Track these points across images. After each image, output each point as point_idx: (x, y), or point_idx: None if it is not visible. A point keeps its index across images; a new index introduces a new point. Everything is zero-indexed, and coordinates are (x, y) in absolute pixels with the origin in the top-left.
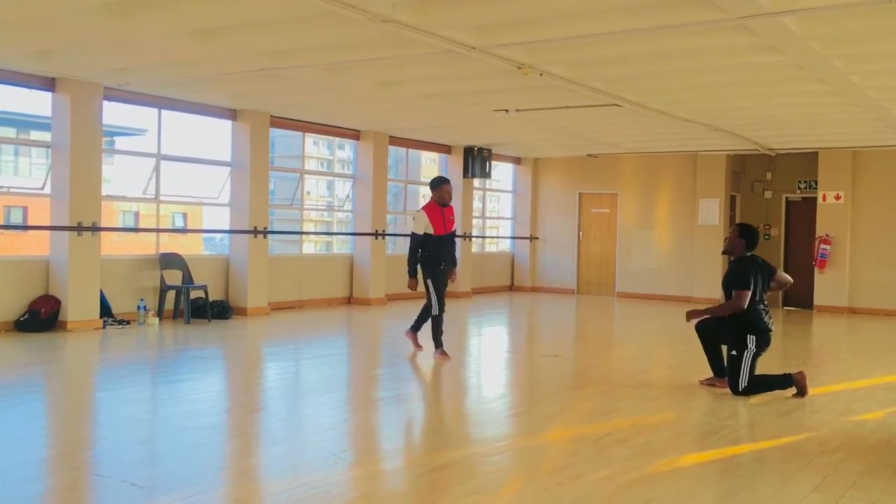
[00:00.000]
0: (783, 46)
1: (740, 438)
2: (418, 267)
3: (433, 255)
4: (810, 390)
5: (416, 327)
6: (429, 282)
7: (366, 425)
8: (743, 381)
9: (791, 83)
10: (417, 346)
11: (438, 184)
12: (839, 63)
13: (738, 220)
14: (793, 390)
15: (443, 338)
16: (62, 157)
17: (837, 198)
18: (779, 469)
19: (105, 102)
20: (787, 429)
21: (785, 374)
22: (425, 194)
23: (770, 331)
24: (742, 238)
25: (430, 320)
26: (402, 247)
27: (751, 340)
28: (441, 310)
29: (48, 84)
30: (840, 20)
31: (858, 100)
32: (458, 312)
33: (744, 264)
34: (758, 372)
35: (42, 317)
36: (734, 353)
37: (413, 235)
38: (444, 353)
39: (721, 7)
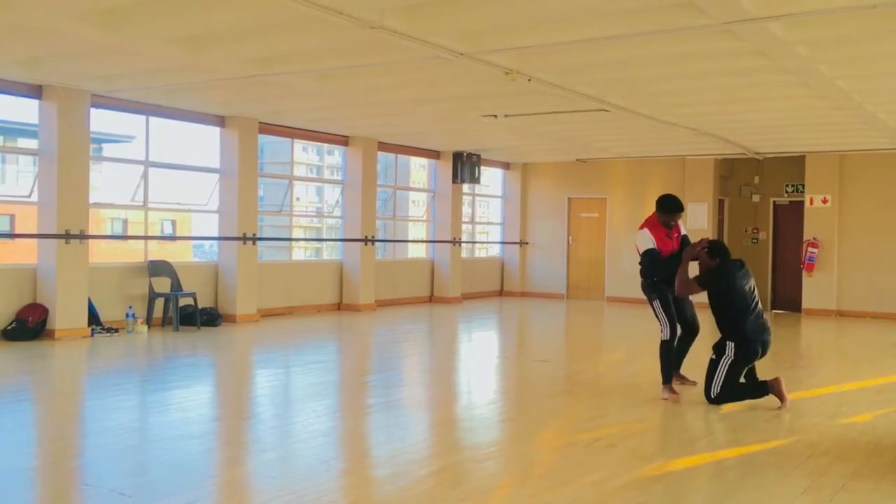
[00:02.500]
0: (769, 51)
1: (729, 442)
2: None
3: (660, 277)
4: (800, 393)
5: (667, 377)
6: (656, 303)
7: (356, 432)
8: (715, 389)
9: (777, 88)
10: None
11: (672, 209)
12: (825, 68)
13: (726, 224)
14: (776, 402)
15: (672, 369)
16: (49, 164)
17: (825, 201)
18: (767, 472)
19: (93, 109)
20: (776, 432)
21: (760, 382)
22: (415, 199)
23: (755, 341)
24: (714, 258)
25: (662, 350)
26: (391, 253)
27: (729, 347)
28: (673, 335)
29: (35, 91)
30: (825, 25)
31: (844, 104)
32: (449, 318)
33: (720, 272)
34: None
35: (29, 325)
36: (714, 357)
37: (649, 251)
38: (677, 385)
39: (707, 12)
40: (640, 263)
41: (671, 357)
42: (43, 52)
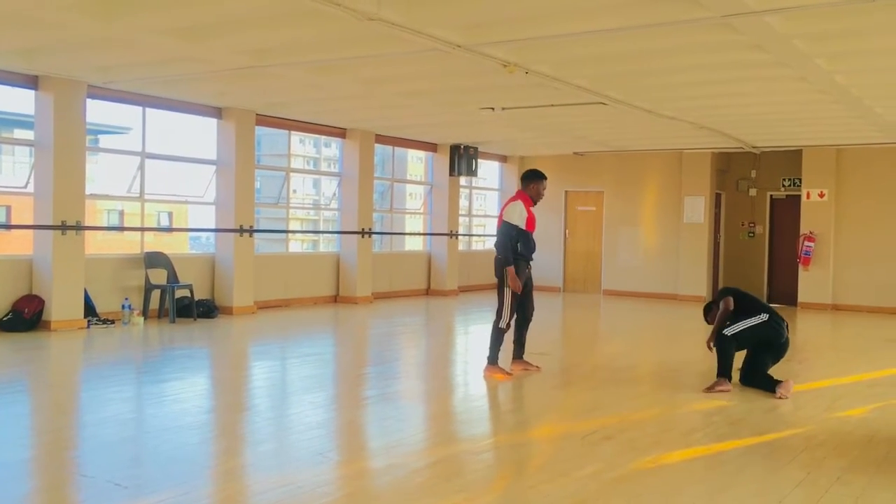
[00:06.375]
0: (767, 45)
1: (725, 435)
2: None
3: (521, 255)
4: (796, 386)
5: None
6: (508, 291)
7: (352, 424)
8: (733, 329)
9: (775, 81)
10: (508, 373)
11: (539, 178)
12: (823, 62)
13: (723, 218)
14: (762, 402)
15: (500, 353)
16: (46, 155)
17: (821, 195)
18: (763, 465)
19: (89, 100)
20: (772, 425)
21: (767, 376)
22: (412, 192)
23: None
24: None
25: (494, 332)
26: (388, 245)
27: (764, 315)
28: (509, 325)
29: (31, 82)
30: (824, 19)
31: (842, 98)
32: (445, 310)
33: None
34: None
35: (25, 317)
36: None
37: (508, 226)
38: (499, 369)
39: (705, 5)
40: (504, 239)
41: (502, 341)
42: (39, 42)
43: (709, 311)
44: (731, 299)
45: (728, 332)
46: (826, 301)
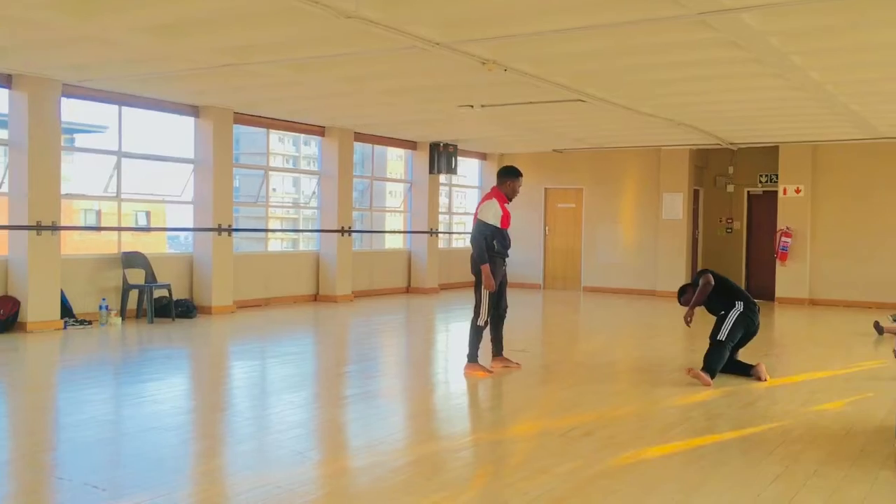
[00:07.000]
0: (743, 42)
1: (703, 430)
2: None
3: (497, 253)
4: (773, 381)
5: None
6: (483, 291)
7: (332, 423)
8: (723, 333)
9: (751, 78)
10: (488, 371)
11: (515, 175)
12: (798, 59)
13: (700, 214)
14: (745, 394)
15: (479, 351)
16: (20, 155)
17: (798, 191)
18: (741, 459)
19: (64, 99)
20: (749, 419)
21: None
22: (392, 190)
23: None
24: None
25: (472, 330)
26: (368, 243)
27: (739, 304)
28: (487, 323)
29: (4, 81)
30: (799, 16)
31: (817, 95)
32: (426, 308)
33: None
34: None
35: (1, 318)
36: (723, 312)
37: (483, 224)
38: (479, 367)
39: (682, 3)
40: (478, 237)
41: (481, 338)
42: (13, 40)
43: (683, 293)
44: (710, 276)
45: (721, 336)
46: (803, 296)
